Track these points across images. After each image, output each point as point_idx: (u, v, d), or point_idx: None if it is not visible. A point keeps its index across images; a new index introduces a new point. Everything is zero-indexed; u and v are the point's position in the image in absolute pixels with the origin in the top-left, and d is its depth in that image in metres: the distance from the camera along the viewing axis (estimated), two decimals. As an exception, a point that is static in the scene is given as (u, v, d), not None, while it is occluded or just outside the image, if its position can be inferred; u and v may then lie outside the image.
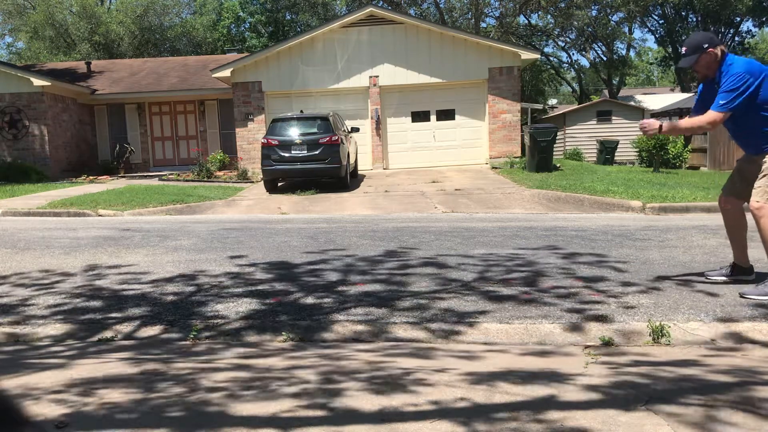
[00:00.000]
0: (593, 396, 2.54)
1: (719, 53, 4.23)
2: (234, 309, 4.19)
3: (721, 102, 4.17)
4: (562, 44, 38.23)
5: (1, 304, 4.47)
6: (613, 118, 22.80)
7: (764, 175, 4.17)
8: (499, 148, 17.66)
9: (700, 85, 4.53)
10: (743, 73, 4.13)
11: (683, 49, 4.35)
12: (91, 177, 18.18)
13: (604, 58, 36.88)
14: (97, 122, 21.33)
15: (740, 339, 3.54)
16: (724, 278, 4.56)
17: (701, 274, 4.74)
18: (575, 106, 27.99)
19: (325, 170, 13.26)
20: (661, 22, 37.89)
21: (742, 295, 4.17)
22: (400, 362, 3.11)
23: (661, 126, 4.34)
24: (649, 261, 5.43)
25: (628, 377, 2.79)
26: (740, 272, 4.48)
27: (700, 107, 4.44)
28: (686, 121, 4.47)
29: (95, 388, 2.68)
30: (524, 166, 16.05)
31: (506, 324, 3.77)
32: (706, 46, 4.21)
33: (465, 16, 32.21)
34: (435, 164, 17.58)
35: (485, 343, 3.57)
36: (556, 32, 34.08)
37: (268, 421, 2.30)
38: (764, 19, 34.02)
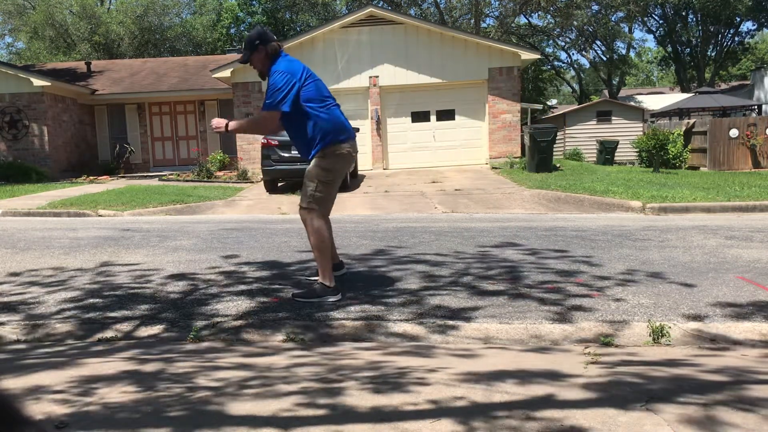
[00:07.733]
0: (593, 395, 2.54)
1: (269, 50, 4.22)
2: (234, 308, 4.19)
3: (267, 101, 4.13)
4: (562, 44, 38.26)
5: (1, 303, 4.48)
6: (613, 118, 22.79)
7: (308, 180, 4.27)
8: (499, 148, 17.66)
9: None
10: (285, 72, 4.11)
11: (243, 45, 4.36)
12: (91, 177, 18.17)
13: (604, 58, 36.90)
14: (97, 122, 21.33)
15: (740, 339, 3.55)
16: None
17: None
18: (575, 107, 27.97)
19: (325, 170, 13.22)
20: (661, 22, 37.91)
21: (293, 297, 4.34)
22: (400, 361, 3.11)
23: (227, 124, 4.31)
24: (649, 261, 5.43)
25: (628, 377, 2.79)
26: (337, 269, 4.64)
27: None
28: (248, 120, 4.26)
29: (95, 388, 2.69)
30: (524, 166, 16.05)
31: (506, 323, 3.77)
32: (258, 42, 4.22)
33: (465, 16, 32.22)
34: (435, 164, 17.58)
35: (485, 341, 3.57)
36: (555, 32, 34.10)
37: (268, 420, 2.30)
38: (763, 19, 34.01)
